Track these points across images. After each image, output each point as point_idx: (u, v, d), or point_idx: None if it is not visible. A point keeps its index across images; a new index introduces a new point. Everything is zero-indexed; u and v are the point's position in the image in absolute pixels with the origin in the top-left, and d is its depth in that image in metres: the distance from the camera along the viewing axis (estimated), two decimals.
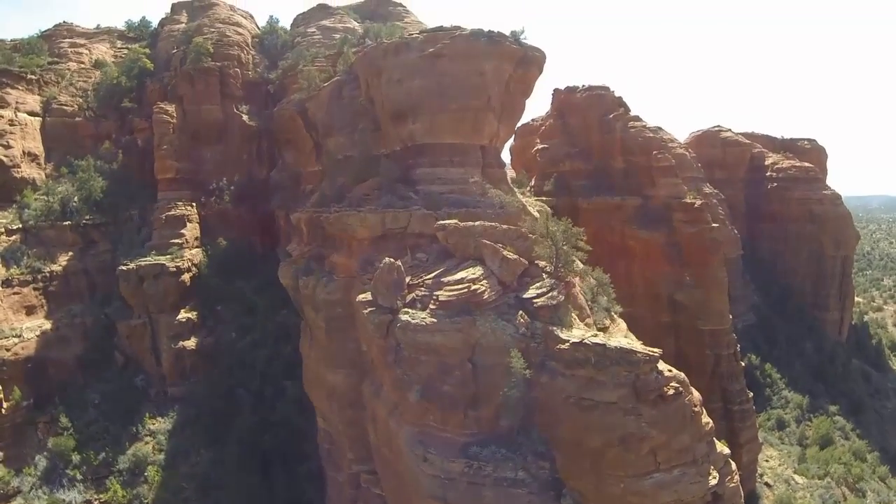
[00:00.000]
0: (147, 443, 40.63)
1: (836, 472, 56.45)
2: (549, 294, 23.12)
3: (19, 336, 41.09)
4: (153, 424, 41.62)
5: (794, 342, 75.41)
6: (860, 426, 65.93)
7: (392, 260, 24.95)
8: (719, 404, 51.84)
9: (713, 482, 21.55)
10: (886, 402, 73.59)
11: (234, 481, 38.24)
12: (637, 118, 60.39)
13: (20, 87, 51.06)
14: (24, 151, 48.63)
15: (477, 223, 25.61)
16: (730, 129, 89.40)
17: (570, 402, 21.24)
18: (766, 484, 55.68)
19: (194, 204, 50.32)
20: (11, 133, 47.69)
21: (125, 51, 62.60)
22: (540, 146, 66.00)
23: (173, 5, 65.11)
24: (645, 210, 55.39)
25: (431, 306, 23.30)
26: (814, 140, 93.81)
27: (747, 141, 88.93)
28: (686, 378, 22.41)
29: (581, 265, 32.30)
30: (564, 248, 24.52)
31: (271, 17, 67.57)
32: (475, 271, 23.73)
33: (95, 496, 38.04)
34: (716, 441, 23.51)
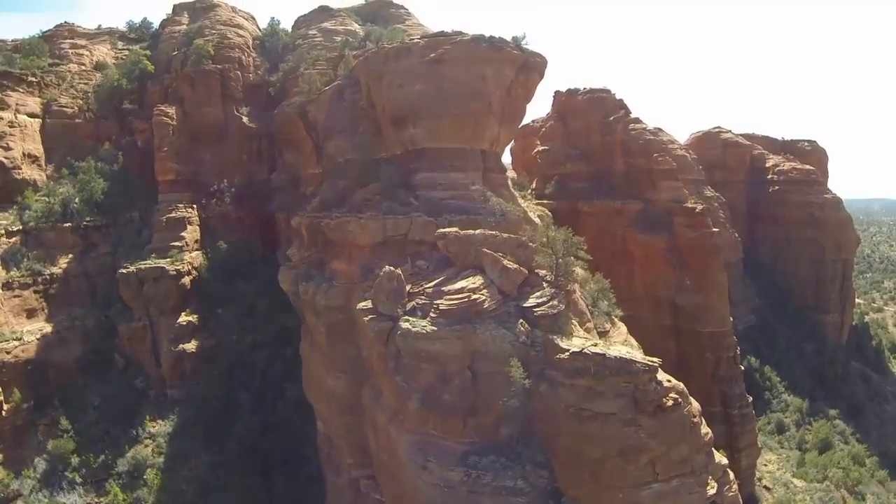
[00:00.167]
0: (147, 445, 40.66)
1: (834, 476, 56.54)
2: (550, 303, 23.14)
3: (20, 339, 41.10)
4: (153, 427, 41.66)
5: (795, 345, 75.49)
6: (860, 430, 66.02)
7: (392, 268, 24.99)
8: (719, 408, 51.99)
9: (711, 492, 21.59)
10: (886, 405, 73.63)
11: (233, 484, 38.31)
12: (638, 120, 60.40)
13: (20, 90, 50.92)
14: (24, 153, 48.56)
15: (477, 231, 25.62)
16: (730, 131, 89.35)
17: (569, 412, 21.28)
18: (766, 487, 55.79)
19: (195, 206, 50.31)
20: (11, 135, 47.60)
21: (126, 52, 62.41)
22: (540, 148, 66.02)
23: (175, 6, 65.01)
24: (646, 214, 55.42)
25: (432, 314, 23.34)
26: (814, 142, 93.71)
27: (748, 142, 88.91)
28: (685, 388, 22.43)
29: (581, 272, 32.35)
30: (564, 257, 24.50)
31: (273, 18, 67.43)
32: (475, 280, 23.76)
33: (95, 499, 37.99)
34: (714, 451, 23.54)
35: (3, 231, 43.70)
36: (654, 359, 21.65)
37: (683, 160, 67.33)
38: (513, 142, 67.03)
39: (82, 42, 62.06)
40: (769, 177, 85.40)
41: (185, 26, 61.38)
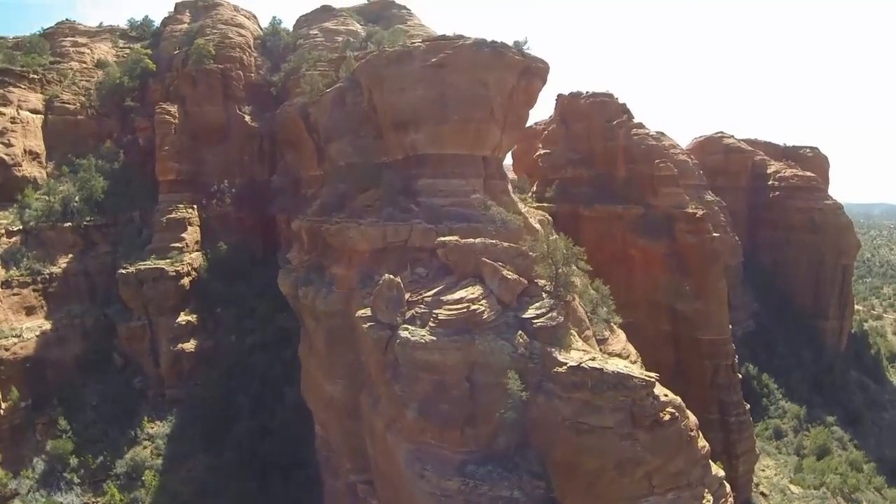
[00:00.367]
0: (145, 447, 40.72)
1: (832, 483, 56.62)
2: (549, 315, 23.13)
3: (19, 336, 41.13)
4: (151, 428, 41.71)
5: (793, 351, 75.52)
6: (857, 437, 66.11)
7: (392, 276, 24.95)
8: (716, 415, 52.09)
9: None
10: (884, 413, 73.65)
11: (231, 487, 38.38)
12: (640, 125, 60.29)
13: (22, 86, 50.86)
14: (25, 150, 48.50)
15: (477, 240, 25.57)
16: (732, 136, 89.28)
17: (566, 424, 21.29)
18: (762, 493, 55.86)
19: (195, 206, 50.28)
20: (13, 131, 47.54)
21: (127, 50, 62.38)
22: (542, 151, 65.96)
23: (176, 5, 64.93)
24: (647, 219, 55.36)
25: (431, 324, 23.32)
26: (816, 148, 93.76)
27: (750, 148, 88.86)
28: (682, 402, 22.44)
29: (581, 278, 32.31)
30: (564, 268, 24.47)
31: (274, 17, 67.32)
32: (474, 290, 23.73)
33: (93, 499, 38.12)
34: (711, 463, 23.57)
35: (3, 231, 43.68)
36: (652, 374, 21.67)
37: (685, 165, 67.29)
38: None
39: (83, 40, 62.02)
40: (770, 183, 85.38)
41: (186, 25, 61.37)
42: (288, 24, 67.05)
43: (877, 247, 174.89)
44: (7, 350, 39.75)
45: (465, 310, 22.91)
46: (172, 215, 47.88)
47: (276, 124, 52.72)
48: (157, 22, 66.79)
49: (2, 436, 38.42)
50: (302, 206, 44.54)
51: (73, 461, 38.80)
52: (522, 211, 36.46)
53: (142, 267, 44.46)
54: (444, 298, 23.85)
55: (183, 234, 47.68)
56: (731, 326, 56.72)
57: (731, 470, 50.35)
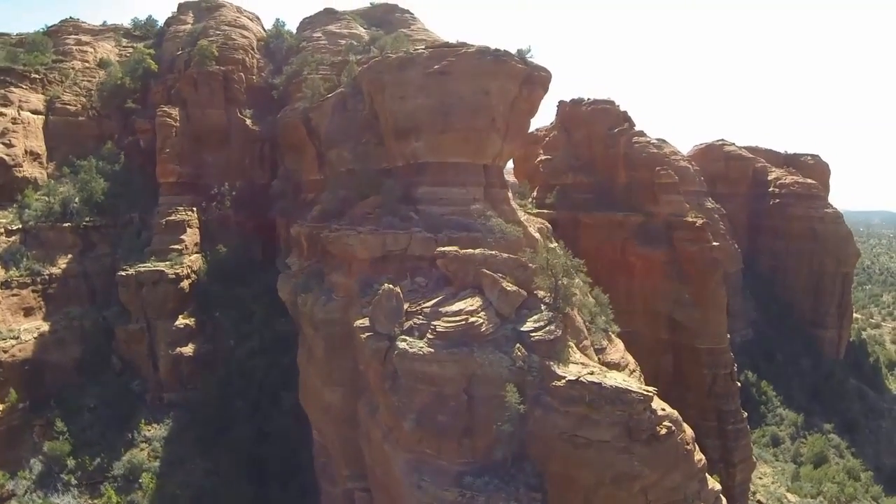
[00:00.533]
0: (142, 449, 40.69)
1: (829, 491, 56.64)
2: (547, 328, 23.15)
3: (17, 338, 41.06)
4: (149, 431, 41.67)
5: (792, 359, 75.58)
6: (855, 445, 66.16)
7: (391, 287, 24.97)
8: (714, 423, 52.14)
9: None
10: (881, 421, 73.70)
11: (228, 491, 38.38)
12: (641, 133, 60.31)
13: (24, 86, 50.88)
14: (26, 150, 48.48)
15: (477, 251, 25.59)
16: (733, 143, 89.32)
17: (563, 438, 21.36)
18: (759, 502, 55.94)
19: (195, 209, 50.21)
20: (14, 132, 47.53)
21: (130, 49, 62.35)
22: (543, 157, 65.93)
23: (180, 5, 64.84)
24: (646, 227, 55.37)
25: (429, 336, 23.34)
26: (817, 156, 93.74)
27: (750, 155, 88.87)
28: (679, 416, 22.50)
29: (579, 292, 32.30)
30: (564, 280, 24.48)
31: (278, 19, 67.26)
32: (473, 302, 23.75)
33: (90, 501, 38.06)
34: (708, 477, 23.61)
35: (2, 230, 43.67)
36: (650, 388, 21.71)
37: (685, 172, 67.21)
38: None
39: (86, 39, 62.01)
40: (771, 190, 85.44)
41: (189, 25, 61.29)
42: (291, 26, 67.17)
43: (876, 255, 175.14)
44: (5, 352, 39.67)
45: (463, 322, 22.94)
46: (172, 217, 47.82)
47: (277, 128, 52.68)
48: (161, 21, 66.80)
49: None
50: (302, 211, 44.53)
51: (71, 463, 38.74)
52: (522, 219, 36.46)
53: (141, 269, 44.41)
54: (443, 310, 23.88)
55: (182, 237, 47.63)
56: (729, 335, 56.76)
57: (729, 478, 50.43)
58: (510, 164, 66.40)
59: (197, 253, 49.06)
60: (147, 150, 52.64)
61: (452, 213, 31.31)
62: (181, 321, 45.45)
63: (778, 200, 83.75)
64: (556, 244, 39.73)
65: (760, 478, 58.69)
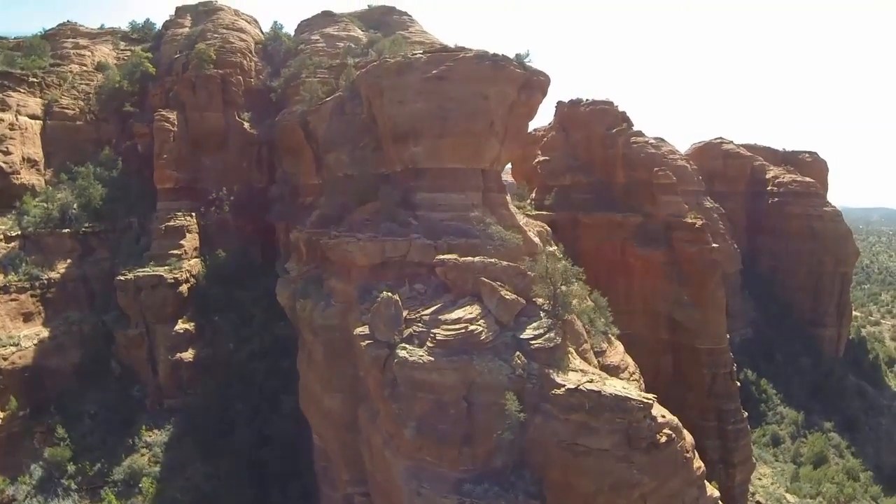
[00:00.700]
0: (143, 454, 40.68)
1: (828, 492, 56.77)
2: (546, 335, 23.17)
3: (17, 345, 41.06)
4: (149, 436, 41.66)
5: (792, 358, 75.69)
6: (855, 443, 66.28)
7: (390, 294, 24.97)
8: (714, 423, 52.27)
9: None
10: (881, 418, 73.90)
11: (228, 496, 38.38)
12: (640, 133, 60.33)
13: (22, 90, 50.74)
14: (23, 157, 48.34)
15: (476, 259, 25.59)
16: (731, 141, 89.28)
17: (562, 445, 21.41)
18: (758, 502, 56.06)
19: (193, 214, 50.08)
20: (11, 138, 47.37)
21: (128, 53, 62.21)
22: (541, 158, 65.83)
23: (177, 9, 64.73)
24: (645, 227, 55.42)
25: (429, 344, 23.36)
26: (815, 153, 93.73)
27: (748, 153, 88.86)
28: (679, 423, 22.53)
29: (579, 289, 32.34)
30: (563, 288, 24.50)
31: (275, 22, 67.11)
32: (472, 310, 23.76)
33: None
34: (707, 484, 23.66)
35: (1, 236, 43.64)
36: (649, 395, 21.74)
37: (683, 171, 67.14)
38: None
39: (84, 42, 61.88)
40: (769, 188, 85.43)
41: (187, 29, 61.16)
42: (289, 28, 66.96)
43: (875, 253, 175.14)
44: (5, 360, 39.66)
45: (462, 330, 22.96)
46: (171, 223, 47.70)
47: (275, 132, 52.59)
48: (159, 25, 66.70)
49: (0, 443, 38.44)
50: (300, 215, 44.52)
51: (71, 468, 38.76)
52: (521, 223, 36.44)
53: (140, 274, 44.34)
54: (443, 318, 23.90)
55: (181, 241, 47.54)
56: (728, 335, 56.85)
57: (728, 479, 50.58)
58: (508, 167, 66.44)
59: (196, 257, 48.95)
60: (145, 155, 52.49)
61: (451, 219, 31.32)
62: (180, 326, 45.42)
63: (776, 199, 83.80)
64: (555, 248, 39.80)
65: (759, 479, 58.80)
